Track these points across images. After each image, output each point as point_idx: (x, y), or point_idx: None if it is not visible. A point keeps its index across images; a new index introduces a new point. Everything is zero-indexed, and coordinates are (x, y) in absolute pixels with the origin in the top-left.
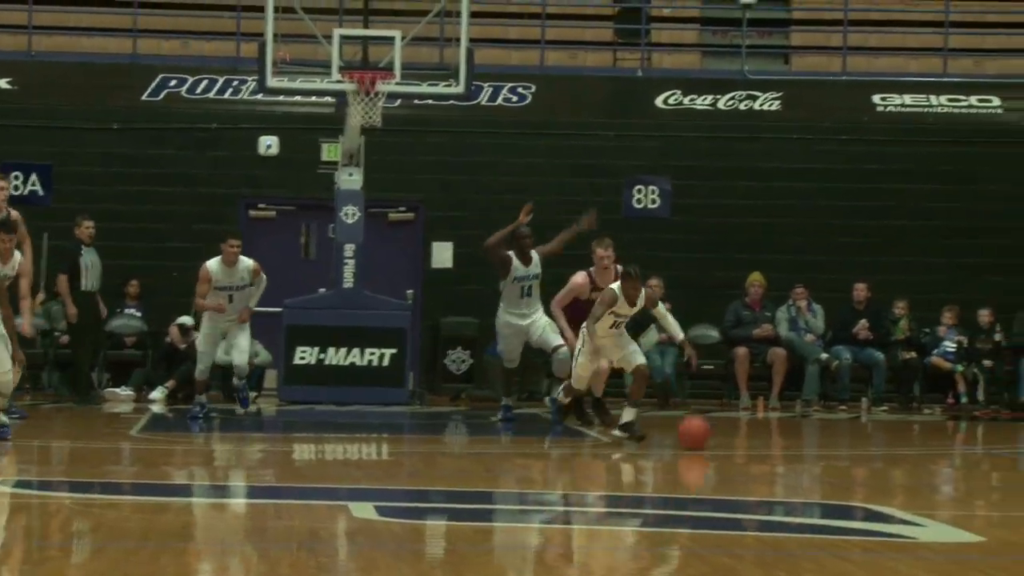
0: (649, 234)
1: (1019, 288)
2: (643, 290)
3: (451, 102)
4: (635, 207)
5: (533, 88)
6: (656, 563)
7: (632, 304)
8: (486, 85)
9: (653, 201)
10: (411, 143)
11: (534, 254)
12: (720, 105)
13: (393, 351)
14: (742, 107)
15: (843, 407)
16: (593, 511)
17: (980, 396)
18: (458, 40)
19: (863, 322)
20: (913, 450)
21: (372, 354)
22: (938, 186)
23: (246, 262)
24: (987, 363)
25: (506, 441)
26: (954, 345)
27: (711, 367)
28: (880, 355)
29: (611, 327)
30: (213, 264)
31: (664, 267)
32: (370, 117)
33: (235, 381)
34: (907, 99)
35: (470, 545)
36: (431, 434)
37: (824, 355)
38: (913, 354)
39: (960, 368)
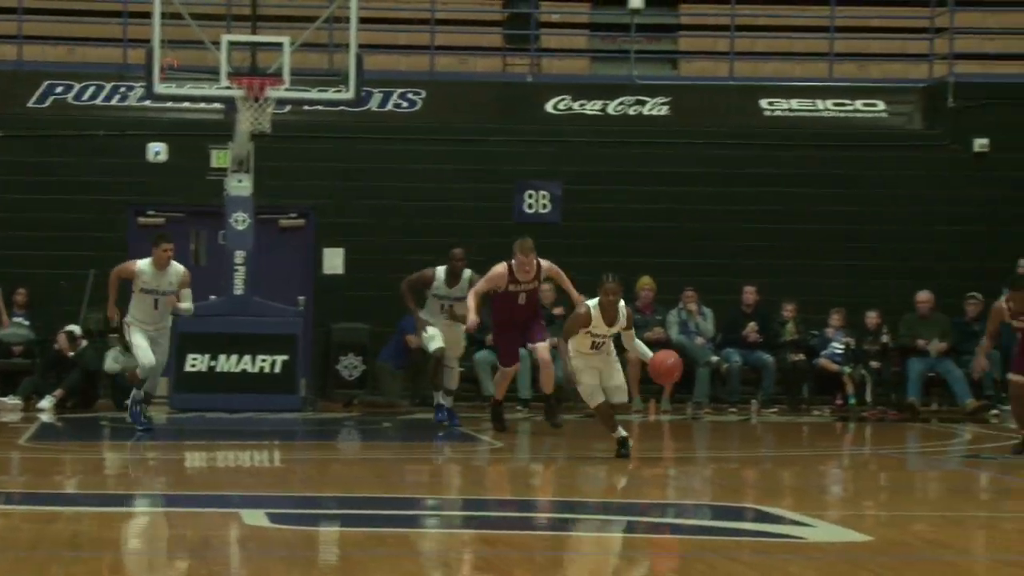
0: (540, 239)
1: (905, 290)
2: (622, 306)
3: (341, 108)
4: (526, 212)
5: (423, 94)
6: (548, 566)
7: (610, 323)
8: (376, 91)
9: (544, 206)
10: (301, 149)
11: (465, 277)
12: (610, 110)
13: (285, 357)
14: (631, 112)
15: (733, 409)
16: (485, 515)
17: (868, 397)
18: (347, 46)
19: (752, 325)
20: (802, 451)
21: (264, 361)
22: (825, 190)
23: (177, 267)
24: (874, 364)
25: (398, 447)
26: (842, 347)
27: None
28: (769, 357)
29: (591, 347)
30: (144, 264)
31: None
32: (259, 123)
33: (135, 392)
34: (794, 103)
35: (362, 551)
36: (323, 440)
37: (714, 358)
38: (801, 356)
39: (848, 370)
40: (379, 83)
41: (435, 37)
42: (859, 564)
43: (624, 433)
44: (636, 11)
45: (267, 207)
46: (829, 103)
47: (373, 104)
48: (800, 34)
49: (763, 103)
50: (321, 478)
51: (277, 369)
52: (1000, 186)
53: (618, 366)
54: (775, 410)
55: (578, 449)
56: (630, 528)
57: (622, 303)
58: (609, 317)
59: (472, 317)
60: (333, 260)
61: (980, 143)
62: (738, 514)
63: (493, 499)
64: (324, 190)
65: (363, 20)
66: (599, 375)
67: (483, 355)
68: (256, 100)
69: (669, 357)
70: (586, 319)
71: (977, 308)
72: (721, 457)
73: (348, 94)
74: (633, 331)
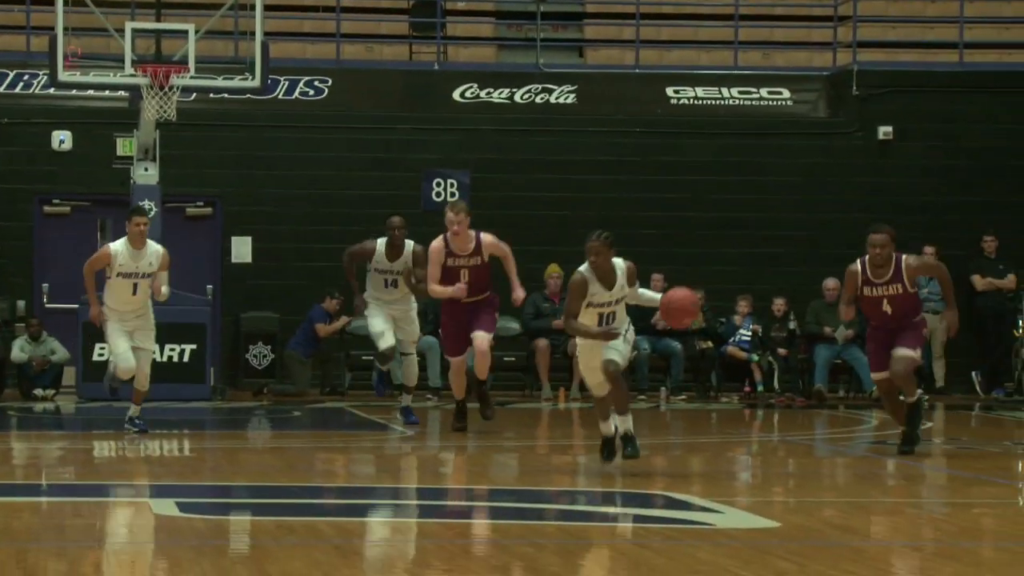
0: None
1: (812, 277)
2: (617, 261)
3: (247, 96)
4: (434, 200)
5: (330, 82)
6: (459, 554)
7: (609, 286)
8: (282, 79)
9: (452, 194)
10: (207, 137)
11: (408, 249)
12: (517, 98)
13: (193, 347)
14: (538, 100)
15: (642, 397)
16: (398, 503)
17: (775, 384)
18: (253, 33)
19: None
20: (711, 438)
21: (172, 350)
22: (731, 177)
23: (155, 246)
24: (782, 351)
25: (308, 436)
26: (749, 334)
27: (512, 359)
28: (678, 345)
29: (599, 323)
30: (118, 246)
31: None
32: (164, 111)
33: (113, 383)
34: (699, 91)
35: (273, 540)
36: (233, 429)
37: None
38: (709, 344)
39: (755, 357)
40: (285, 71)
41: (341, 25)
42: (767, 550)
43: (628, 428)
44: None
45: (174, 196)
46: (734, 91)
47: (279, 92)
48: (705, 22)
49: (669, 91)
50: (231, 467)
51: (186, 358)
52: (904, 173)
53: (628, 339)
54: (684, 397)
55: (490, 438)
56: (540, 516)
57: (618, 260)
58: (606, 279)
59: (460, 286)
60: (241, 249)
61: (884, 131)
62: (648, 501)
63: (403, 487)
64: (231, 178)
65: (268, 7)
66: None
67: (427, 340)
68: (161, 88)
69: (680, 292)
70: (581, 285)
71: None
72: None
73: (254, 82)
74: (637, 285)
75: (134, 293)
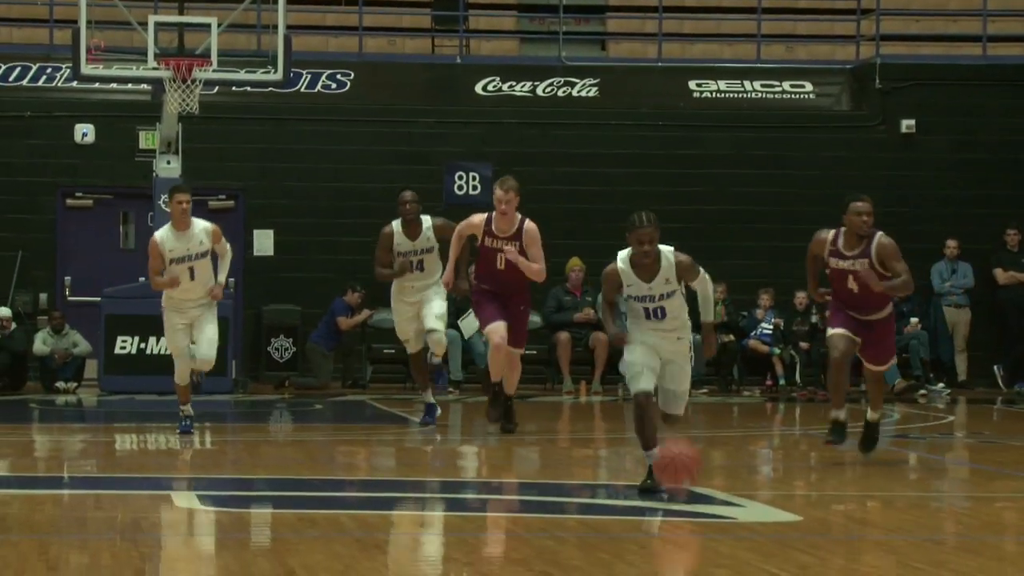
0: None
1: None
2: (667, 253)
3: (270, 89)
4: (456, 193)
5: (352, 75)
6: (480, 546)
7: (649, 278)
8: (305, 72)
9: (474, 187)
10: (230, 130)
11: (426, 224)
12: (539, 91)
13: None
14: (560, 93)
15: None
16: (418, 496)
17: (798, 378)
18: (275, 27)
19: None
20: (733, 432)
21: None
22: (753, 171)
23: (201, 224)
24: (803, 345)
25: (330, 429)
26: (771, 328)
27: (533, 352)
28: (699, 338)
29: (646, 316)
30: (162, 233)
31: None
32: (187, 104)
33: (193, 378)
34: (722, 85)
35: (294, 533)
36: (254, 422)
37: None
38: (731, 337)
39: (777, 351)
40: (308, 64)
41: (363, 18)
42: (788, 544)
43: (658, 454)
44: None
45: (196, 189)
46: (757, 84)
47: (302, 85)
48: (728, 15)
49: (691, 84)
50: (252, 460)
51: None
52: (927, 167)
53: (687, 366)
54: (705, 391)
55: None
56: (561, 509)
57: (667, 249)
58: (646, 271)
59: (448, 274)
60: (263, 242)
61: (907, 124)
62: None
63: (425, 480)
64: (253, 172)
65: (291, 0)
66: (655, 358)
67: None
68: (184, 81)
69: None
70: (611, 277)
71: None
72: None
73: (276, 75)
74: (702, 277)
75: (192, 278)
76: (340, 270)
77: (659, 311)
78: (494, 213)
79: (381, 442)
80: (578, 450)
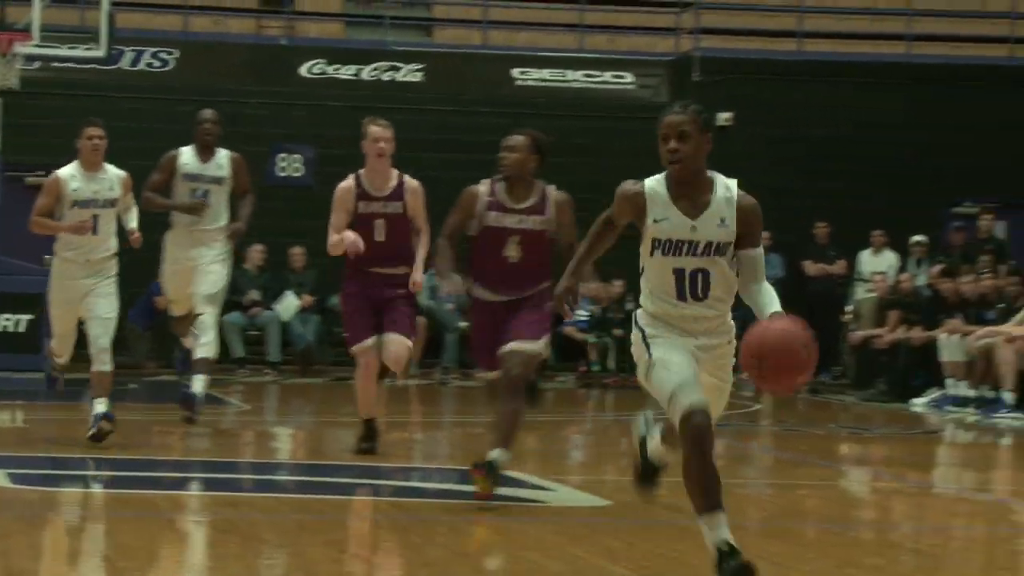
0: (293, 202)
1: None
2: (722, 179)
3: (92, 66)
4: (278, 175)
5: (176, 53)
6: (294, 528)
7: (692, 206)
8: (128, 49)
9: (297, 169)
10: (50, 106)
11: (224, 154)
12: (364, 75)
13: (29, 317)
14: (385, 78)
15: (480, 375)
16: (231, 477)
17: (611, 364)
18: (99, 2)
19: None
20: (546, 417)
21: (7, 320)
22: (575, 159)
23: (115, 169)
24: (618, 332)
25: (144, 408)
26: (586, 314)
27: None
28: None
29: (677, 296)
30: (68, 170)
31: (308, 234)
32: (6, 79)
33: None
34: (545, 73)
35: (106, 512)
36: (68, 401)
37: (463, 324)
38: None
39: (592, 338)
40: (131, 41)
41: None
42: (597, 528)
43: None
44: None
45: (14, 165)
46: (579, 74)
47: (124, 63)
48: (552, 5)
49: (515, 72)
50: (65, 439)
51: (21, 328)
52: (742, 158)
53: (726, 390)
54: None
55: (328, 414)
56: (376, 492)
57: (724, 179)
58: (688, 197)
59: (335, 237)
60: None
61: (724, 116)
62: None
63: (238, 462)
64: (73, 149)
65: None
66: (691, 360)
67: (235, 317)
68: (3, 55)
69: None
70: (633, 199)
71: None
72: (467, 422)
73: (99, 51)
74: (759, 249)
75: (95, 231)
76: (159, 249)
77: (700, 279)
78: (362, 171)
79: (196, 423)
80: (394, 433)
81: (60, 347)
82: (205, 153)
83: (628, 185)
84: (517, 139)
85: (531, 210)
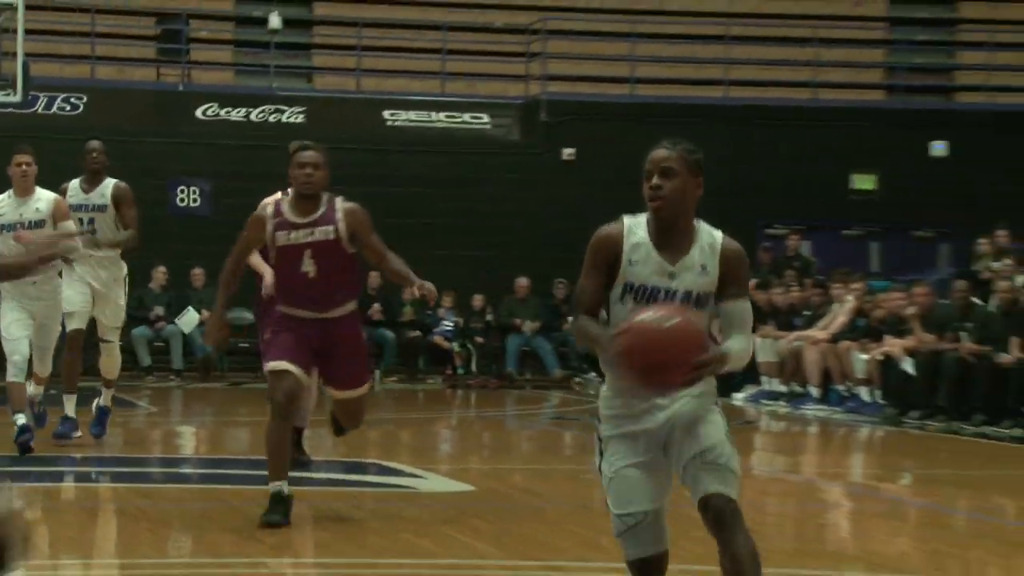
0: (192, 230)
1: (505, 277)
2: (705, 226)
3: (9, 110)
4: (179, 205)
5: (85, 98)
6: (199, 517)
7: (672, 252)
8: (42, 95)
9: (195, 200)
10: None
11: (110, 182)
12: (252, 117)
13: None
14: (271, 119)
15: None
16: (139, 471)
17: (474, 368)
18: (15, 54)
19: (376, 306)
20: (418, 414)
21: None
22: (439, 190)
23: (47, 194)
24: (479, 340)
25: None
26: (452, 325)
27: (247, 344)
28: (390, 334)
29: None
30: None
31: (207, 259)
32: None
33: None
34: (412, 115)
35: (27, 503)
36: None
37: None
38: (418, 333)
39: (457, 346)
40: (45, 88)
41: (96, 48)
42: (464, 510)
43: None
44: (275, 31)
45: None
46: (442, 115)
47: (39, 107)
48: (417, 55)
49: (386, 114)
50: None
51: None
52: (585, 188)
53: (724, 440)
54: (395, 379)
55: (224, 414)
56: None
57: (710, 228)
58: (668, 243)
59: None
60: None
61: (568, 152)
62: (363, 468)
63: (148, 457)
64: None
65: (29, 32)
66: (647, 480)
67: (142, 330)
68: None
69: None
70: (609, 244)
71: (563, 291)
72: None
73: (16, 97)
74: (745, 302)
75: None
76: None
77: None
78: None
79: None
80: None
81: None
82: (92, 182)
83: (603, 227)
84: (314, 155)
85: (318, 222)
